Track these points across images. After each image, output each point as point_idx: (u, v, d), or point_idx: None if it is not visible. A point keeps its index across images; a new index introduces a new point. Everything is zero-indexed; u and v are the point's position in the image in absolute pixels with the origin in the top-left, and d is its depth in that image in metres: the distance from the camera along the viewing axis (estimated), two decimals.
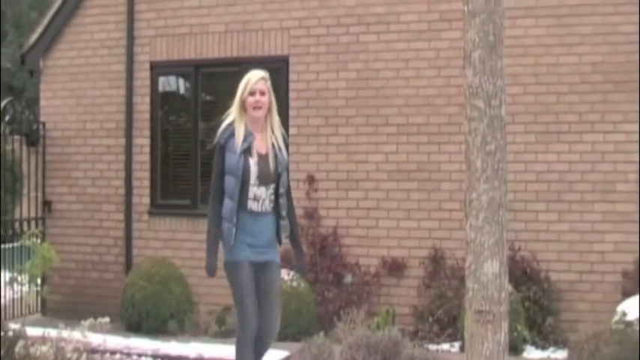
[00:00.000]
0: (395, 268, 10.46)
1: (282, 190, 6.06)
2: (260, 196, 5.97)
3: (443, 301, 10.09)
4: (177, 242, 11.49)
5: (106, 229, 11.95)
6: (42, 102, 12.46)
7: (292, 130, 10.89)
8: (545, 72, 10.04)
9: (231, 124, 6.04)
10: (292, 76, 11.00)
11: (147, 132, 11.79)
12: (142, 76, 11.82)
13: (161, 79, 11.91)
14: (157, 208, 11.72)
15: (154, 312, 10.60)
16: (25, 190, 12.19)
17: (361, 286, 10.49)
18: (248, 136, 5.99)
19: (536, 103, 10.06)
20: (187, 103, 11.82)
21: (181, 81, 12.06)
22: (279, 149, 6.08)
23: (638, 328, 8.02)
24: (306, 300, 10.05)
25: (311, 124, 10.85)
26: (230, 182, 5.91)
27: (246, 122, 6.03)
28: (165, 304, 10.66)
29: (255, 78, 6.10)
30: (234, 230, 5.90)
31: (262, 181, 5.97)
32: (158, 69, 11.81)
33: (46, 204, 12.22)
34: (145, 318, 10.61)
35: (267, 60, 11.14)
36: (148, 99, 11.81)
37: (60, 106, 12.24)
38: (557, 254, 9.95)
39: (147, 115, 11.79)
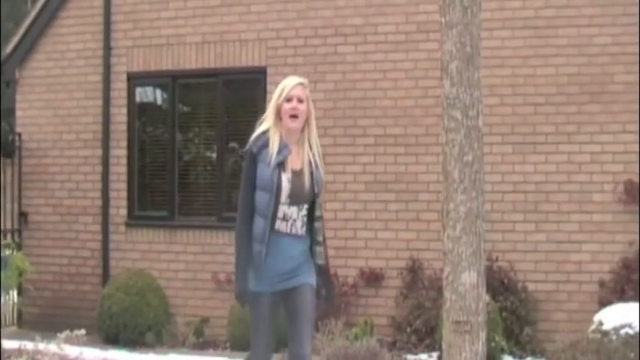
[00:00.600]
0: (373, 278, 10.46)
1: (317, 214, 5.38)
2: (290, 216, 5.27)
3: (421, 311, 10.10)
4: (155, 254, 11.45)
5: (83, 241, 11.89)
6: (18, 113, 12.39)
7: None
8: (522, 83, 10.09)
9: (265, 132, 5.33)
10: (270, 87, 10.95)
11: (124, 143, 11.75)
12: (119, 87, 11.79)
13: (138, 90, 11.88)
14: (134, 220, 11.67)
15: (131, 324, 10.55)
16: (0, 202, 12.11)
17: (339, 297, 10.47)
18: (283, 148, 5.28)
19: (513, 114, 10.11)
20: (164, 114, 11.80)
21: (158, 92, 12.04)
22: (316, 167, 5.37)
23: (614, 337, 8.06)
24: (284, 312, 10.01)
25: None
26: (263, 199, 5.20)
27: (281, 132, 5.32)
28: (143, 316, 10.61)
29: (292, 83, 5.43)
30: (264, 252, 5.19)
31: (294, 200, 5.25)
32: (135, 80, 11.78)
33: (22, 215, 12.14)
34: (122, 330, 10.55)
35: (244, 71, 11.15)
36: (124, 110, 11.77)
37: (36, 117, 12.18)
38: (534, 264, 9.99)
39: (124, 126, 11.76)
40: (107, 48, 11.77)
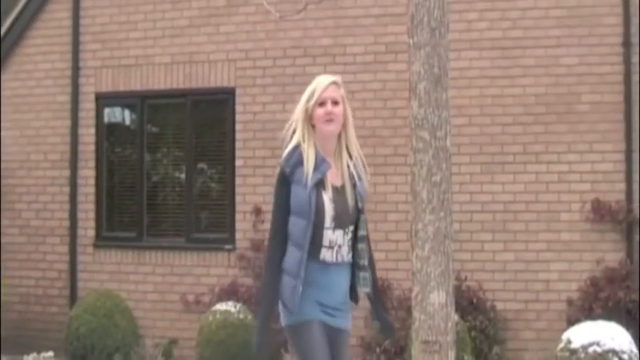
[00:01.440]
0: None
1: (362, 233, 4.62)
2: (335, 242, 4.54)
3: None
4: (123, 275, 11.37)
5: (50, 262, 11.78)
6: None
7: (238, 162, 10.90)
8: (490, 103, 10.15)
9: (298, 147, 4.59)
10: (238, 108, 10.99)
11: (92, 164, 11.68)
12: (87, 107, 11.73)
13: (106, 111, 11.83)
14: (102, 241, 11.59)
15: (99, 345, 10.45)
16: None
17: None
18: (321, 163, 4.53)
19: (481, 134, 10.16)
20: (133, 135, 11.75)
21: (127, 112, 11.99)
22: (359, 178, 4.65)
23: (583, 356, 8.09)
24: (254, 332, 9.95)
25: (257, 155, 10.84)
26: (298, 226, 4.46)
27: (316, 144, 4.58)
28: (111, 338, 10.52)
29: (324, 83, 4.62)
30: (300, 289, 4.45)
31: (339, 222, 4.53)
32: (103, 100, 11.72)
33: None
34: (90, 352, 10.45)
35: (213, 91, 11.14)
36: (93, 130, 11.71)
37: (3, 137, 12.07)
38: (502, 284, 10.02)
39: (92, 147, 11.69)
40: (75, 68, 11.72)
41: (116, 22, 11.62)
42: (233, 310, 9.95)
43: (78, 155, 11.70)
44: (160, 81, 11.39)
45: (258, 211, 10.74)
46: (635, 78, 9.76)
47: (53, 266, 11.77)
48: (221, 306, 10.07)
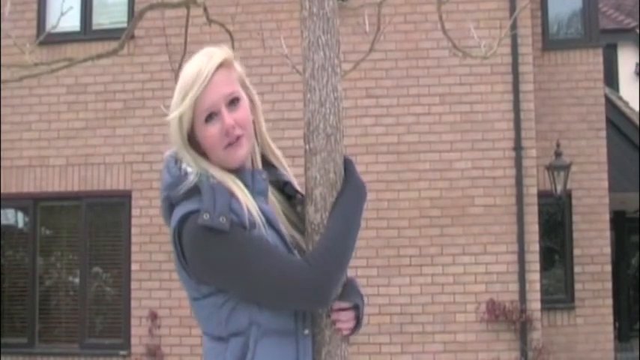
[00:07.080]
0: None
1: None
2: None
3: None
4: None
5: None
6: None
7: (134, 266, 10.72)
8: (386, 207, 10.27)
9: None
10: (135, 211, 10.86)
11: None
12: None
13: None
14: None
15: None
16: None
17: None
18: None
19: (378, 237, 10.25)
20: (25, 238, 11.49)
21: (20, 214, 11.75)
22: None
23: None
24: None
25: (154, 259, 10.70)
26: None
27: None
28: None
29: (204, 74, 2.68)
30: None
31: None
32: None
33: None
34: None
35: (109, 194, 11.01)
36: None
37: None
38: None
39: None
40: None
41: (9, 122, 11.44)
42: None
43: None
44: (54, 183, 11.21)
45: (154, 316, 10.55)
46: (526, 181, 10.03)
47: None
48: None
